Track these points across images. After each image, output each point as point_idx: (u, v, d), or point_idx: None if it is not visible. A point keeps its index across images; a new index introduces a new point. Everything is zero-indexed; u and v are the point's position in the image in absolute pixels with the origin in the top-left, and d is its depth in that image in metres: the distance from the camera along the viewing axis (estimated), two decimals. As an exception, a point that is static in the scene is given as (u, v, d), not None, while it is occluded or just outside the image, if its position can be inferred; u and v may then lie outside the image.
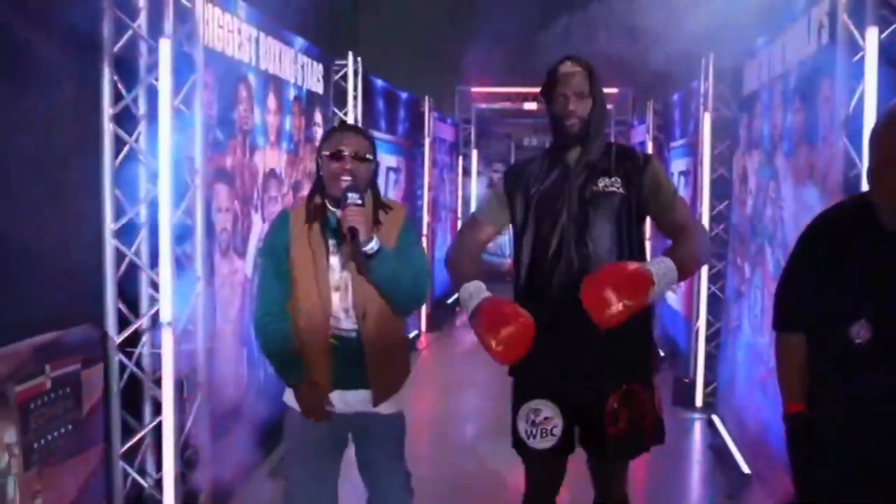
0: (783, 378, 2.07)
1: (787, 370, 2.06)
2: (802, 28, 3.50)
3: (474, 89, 10.78)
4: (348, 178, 2.35)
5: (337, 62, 5.63)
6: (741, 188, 4.82)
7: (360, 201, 2.29)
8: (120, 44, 2.95)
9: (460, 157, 10.86)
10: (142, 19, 3.06)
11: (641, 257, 2.39)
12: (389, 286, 2.37)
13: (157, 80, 2.98)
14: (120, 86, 2.96)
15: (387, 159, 7.03)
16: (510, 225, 2.52)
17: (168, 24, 2.97)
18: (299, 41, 4.83)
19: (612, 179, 2.37)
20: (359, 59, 5.78)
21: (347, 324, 2.41)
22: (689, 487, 4.27)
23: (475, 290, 2.26)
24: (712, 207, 5.34)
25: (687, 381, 5.52)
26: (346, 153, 2.37)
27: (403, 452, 2.56)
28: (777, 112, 3.99)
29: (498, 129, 12.06)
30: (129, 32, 2.99)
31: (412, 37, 9.40)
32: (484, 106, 10.97)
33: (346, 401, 2.44)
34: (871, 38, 2.58)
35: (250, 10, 3.99)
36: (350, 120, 5.73)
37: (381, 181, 6.74)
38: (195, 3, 3.13)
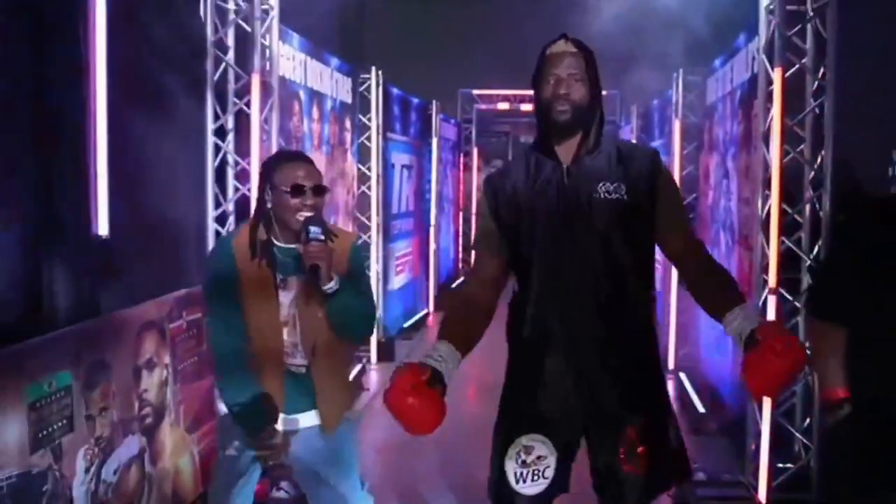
0: (824, 364, 2.03)
1: (827, 357, 2.01)
2: (743, 55, 4.45)
3: (475, 91, 11.70)
4: (309, 213, 2.25)
5: (362, 76, 6.56)
6: (704, 184, 5.79)
7: (322, 236, 2.20)
8: (217, 74, 3.89)
9: (462, 155, 11.84)
10: (230, 55, 3.99)
11: (649, 276, 2.14)
12: (343, 319, 2.29)
13: (246, 104, 3.91)
14: (217, 108, 3.90)
15: (402, 158, 7.98)
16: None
17: (256, 61, 3.90)
18: (334, 60, 5.77)
19: (615, 185, 2.03)
20: (380, 72, 6.71)
21: (297, 359, 2.35)
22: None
23: (445, 355, 1.97)
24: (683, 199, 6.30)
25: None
26: (306, 187, 2.25)
27: (351, 464, 2.48)
28: (728, 121, 4.95)
29: (496, 127, 13.05)
30: (223, 65, 3.93)
31: (421, 47, 10.35)
32: (484, 107, 11.90)
33: (290, 423, 2.38)
34: (777, 76, 3.53)
35: (300, 39, 4.92)
36: (372, 125, 6.67)
37: (396, 178, 7.71)
38: (271, 42, 4.07)
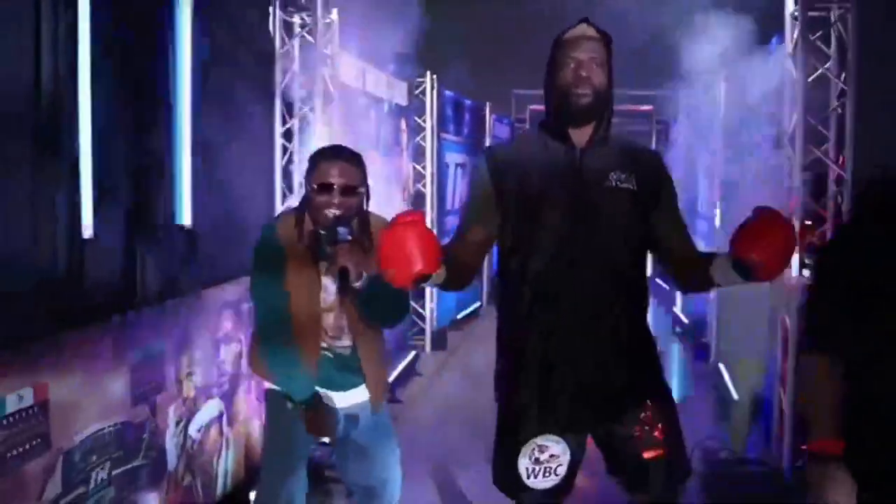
0: (814, 406, 1.77)
1: (820, 397, 1.76)
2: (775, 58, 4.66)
3: (529, 92, 12.00)
4: (337, 211, 2.27)
5: (417, 80, 6.95)
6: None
7: (349, 237, 2.20)
8: (284, 82, 4.32)
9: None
10: (296, 65, 4.41)
11: (644, 268, 2.14)
12: (375, 313, 2.37)
13: (310, 109, 4.33)
14: (285, 112, 4.33)
15: (456, 157, 8.35)
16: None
17: (319, 69, 4.31)
18: (391, 67, 6.16)
19: (626, 174, 2.02)
20: (434, 76, 7.08)
21: (343, 341, 2.44)
22: (698, 406, 5.52)
23: None
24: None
25: (704, 340, 6.71)
26: (334, 186, 2.28)
27: (393, 439, 2.64)
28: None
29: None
30: (290, 74, 4.36)
31: (478, 51, 10.70)
32: (537, 107, 12.19)
33: (340, 399, 2.49)
34: (799, 79, 3.77)
35: (360, 48, 5.32)
36: (427, 126, 7.05)
37: (450, 176, 8.08)
38: (333, 52, 4.47)
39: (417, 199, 7.07)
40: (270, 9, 4.27)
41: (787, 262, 1.82)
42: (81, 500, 2.50)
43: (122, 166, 3.05)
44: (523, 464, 2.03)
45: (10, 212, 2.41)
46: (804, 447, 4.01)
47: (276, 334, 2.38)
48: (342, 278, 2.19)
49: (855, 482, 1.69)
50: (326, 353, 2.43)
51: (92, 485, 2.55)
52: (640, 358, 2.08)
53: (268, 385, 2.56)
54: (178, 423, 3.07)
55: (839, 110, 3.86)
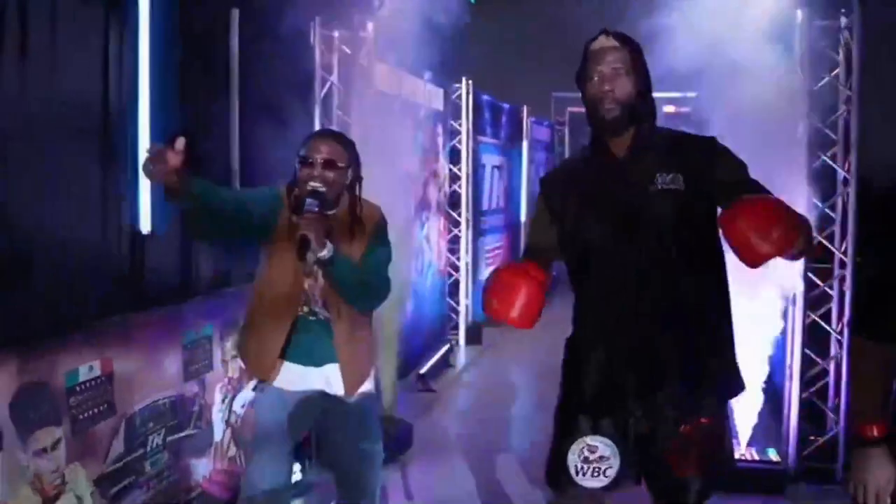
0: (860, 390, 1.81)
1: (865, 384, 1.78)
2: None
3: (568, 95, 12.22)
4: (316, 184, 2.33)
5: (454, 86, 7.26)
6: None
7: (316, 209, 2.26)
8: (324, 91, 4.68)
9: (555, 156, 12.40)
10: (334, 76, 4.76)
11: (715, 270, 2.07)
12: (344, 289, 2.37)
13: (348, 116, 4.68)
14: (324, 119, 4.68)
15: (493, 159, 8.65)
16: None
17: (356, 80, 4.66)
18: (427, 74, 6.49)
19: (672, 176, 1.98)
20: (469, 81, 7.39)
21: (326, 311, 2.45)
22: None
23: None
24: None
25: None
26: (317, 160, 2.36)
27: (374, 431, 2.57)
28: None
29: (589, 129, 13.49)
30: (329, 84, 4.71)
31: (516, 55, 10.98)
32: (576, 109, 12.40)
33: (308, 378, 2.47)
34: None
35: (396, 58, 5.65)
36: (462, 129, 7.36)
37: (486, 177, 8.38)
38: (369, 63, 4.81)
39: (453, 199, 7.38)
40: (312, 24, 4.62)
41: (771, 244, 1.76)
42: (140, 460, 2.88)
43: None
44: (572, 461, 2.05)
45: (82, 210, 2.80)
46: (812, 437, 4.21)
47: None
48: (301, 246, 2.22)
49: None
50: (310, 316, 2.46)
51: (149, 448, 2.93)
52: (699, 370, 2.01)
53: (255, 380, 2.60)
54: (223, 400, 3.44)
55: (846, 115, 4.04)
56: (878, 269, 1.85)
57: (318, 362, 2.47)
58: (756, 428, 4.45)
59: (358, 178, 2.49)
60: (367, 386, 2.56)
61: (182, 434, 3.13)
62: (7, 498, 2.22)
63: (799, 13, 4.11)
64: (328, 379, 2.48)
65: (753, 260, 1.79)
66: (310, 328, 2.45)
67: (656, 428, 2.03)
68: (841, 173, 4.10)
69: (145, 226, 3.09)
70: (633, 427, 2.04)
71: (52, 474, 2.41)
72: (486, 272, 8.36)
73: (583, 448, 2.04)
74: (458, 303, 7.42)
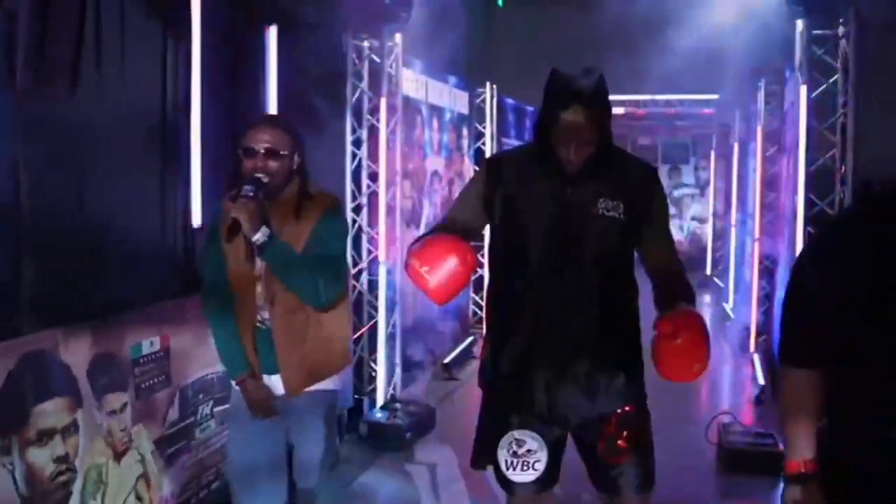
0: (790, 424, 1.70)
1: (794, 414, 1.69)
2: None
3: (592, 97, 12.49)
4: (260, 175, 2.27)
5: (478, 90, 7.59)
6: (783, 183, 6.39)
7: (251, 193, 2.21)
8: (354, 98, 5.04)
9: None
10: (364, 83, 5.12)
11: (632, 277, 2.22)
12: (284, 277, 2.29)
13: (377, 120, 5.04)
14: (354, 123, 5.04)
15: (515, 160, 8.96)
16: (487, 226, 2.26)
17: (384, 86, 5.01)
18: (452, 79, 6.83)
19: (614, 203, 2.11)
20: (494, 86, 7.71)
21: (266, 312, 2.37)
22: (730, 391, 5.97)
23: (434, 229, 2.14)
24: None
25: (746, 332, 7.11)
26: (258, 150, 2.28)
27: (325, 429, 2.45)
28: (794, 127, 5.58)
29: (614, 130, 13.72)
30: (359, 91, 5.07)
31: (540, 59, 11.26)
32: (601, 111, 12.66)
33: (270, 384, 2.43)
34: (803, 92, 4.23)
35: (421, 64, 6.00)
36: (487, 132, 7.69)
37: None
38: (396, 70, 5.16)
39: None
40: (343, 35, 4.99)
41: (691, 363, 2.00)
42: (192, 427, 3.25)
43: (223, 170, 3.79)
44: (502, 455, 2.14)
45: (144, 206, 3.18)
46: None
47: (214, 306, 2.44)
48: (231, 229, 2.20)
49: (828, 497, 1.65)
50: (261, 325, 2.39)
51: (199, 416, 3.30)
52: (619, 364, 2.17)
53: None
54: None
55: (843, 118, 4.30)
56: (794, 293, 1.73)
57: (271, 370, 2.42)
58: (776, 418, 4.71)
59: (303, 162, 2.43)
60: (322, 385, 2.43)
61: (227, 406, 3.49)
62: (86, 447, 2.59)
63: (799, 23, 4.38)
64: (271, 382, 2.45)
65: (667, 375, 2.02)
66: (263, 337, 2.40)
67: (588, 421, 2.14)
68: (838, 173, 4.37)
69: (196, 220, 3.47)
70: (562, 420, 2.15)
71: (120, 432, 2.78)
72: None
73: (511, 442, 2.13)
74: (482, 298, 7.75)
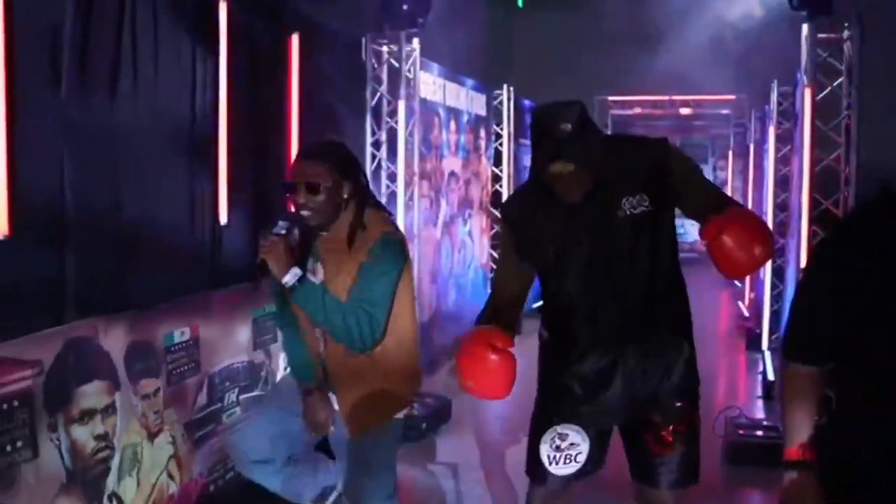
0: (788, 413, 1.74)
1: (794, 405, 1.73)
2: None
3: (611, 98, 12.61)
4: (306, 212, 2.20)
5: (495, 92, 7.77)
6: (795, 182, 6.50)
7: (283, 231, 2.15)
8: (374, 101, 5.24)
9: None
10: (384, 86, 5.32)
11: (678, 270, 2.21)
12: (318, 322, 2.21)
13: (395, 122, 5.23)
14: (374, 125, 5.24)
15: (532, 161, 9.12)
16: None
17: (402, 90, 5.21)
18: (469, 81, 7.01)
19: (636, 196, 2.07)
20: (511, 88, 7.89)
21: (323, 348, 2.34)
22: (740, 387, 6.09)
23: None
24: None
25: (758, 330, 7.22)
26: (298, 186, 2.20)
27: (381, 460, 2.37)
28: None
29: (632, 130, 13.85)
30: (378, 94, 5.27)
31: (558, 59, 11.43)
32: (619, 112, 12.78)
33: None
34: (808, 94, 4.36)
35: (439, 67, 6.19)
36: (504, 133, 7.86)
37: (527, 178, 8.80)
38: (414, 74, 5.35)
39: (495, 198, 7.87)
40: (363, 41, 5.19)
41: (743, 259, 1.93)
42: (219, 412, 3.46)
43: (248, 171, 4.01)
44: (545, 451, 2.17)
45: (176, 206, 3.40)
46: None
47: (285, 321, 2.47)
48: (259, 271, 2.17)
49: (825, 493, 1.66)
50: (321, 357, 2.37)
51: (226, 402, 3.51)
52: (668, 359, 2.18)
53: None
54: (285, 369, 4.01)
55: (847, 119, 4.42)
56: (803, 287, 1.77)
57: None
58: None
59: (357, 189, 2.28)
60: (381, 421, 2.35)
61: (252, 394, 3.71)
62: (122, 427, 2.81)
63: (805, 27, 4.50)
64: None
65: (734, 275, 2.04)
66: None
67: (636, 412, 2.18)
68: (843, 174, 4.49)
69: (223, 218, 3.68)
70: (608, 416, 2.20)
71: (154, 415, 3.00)
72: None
73: (553, 437, 2.16)
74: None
